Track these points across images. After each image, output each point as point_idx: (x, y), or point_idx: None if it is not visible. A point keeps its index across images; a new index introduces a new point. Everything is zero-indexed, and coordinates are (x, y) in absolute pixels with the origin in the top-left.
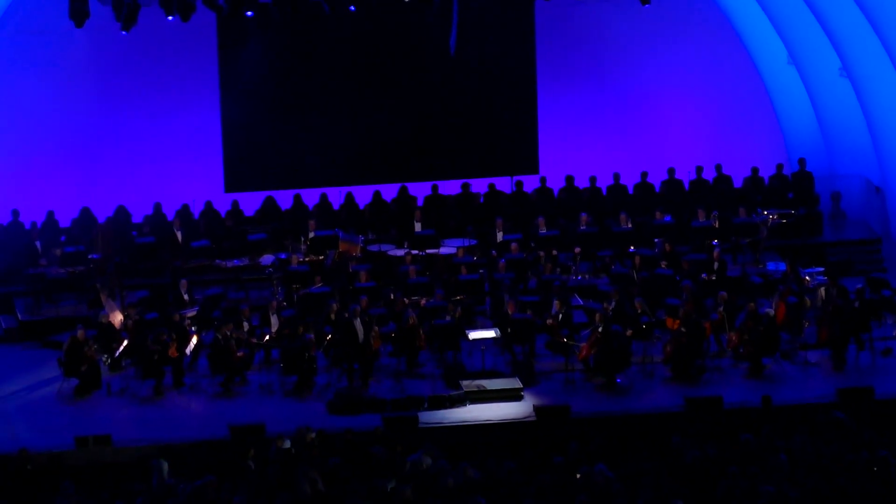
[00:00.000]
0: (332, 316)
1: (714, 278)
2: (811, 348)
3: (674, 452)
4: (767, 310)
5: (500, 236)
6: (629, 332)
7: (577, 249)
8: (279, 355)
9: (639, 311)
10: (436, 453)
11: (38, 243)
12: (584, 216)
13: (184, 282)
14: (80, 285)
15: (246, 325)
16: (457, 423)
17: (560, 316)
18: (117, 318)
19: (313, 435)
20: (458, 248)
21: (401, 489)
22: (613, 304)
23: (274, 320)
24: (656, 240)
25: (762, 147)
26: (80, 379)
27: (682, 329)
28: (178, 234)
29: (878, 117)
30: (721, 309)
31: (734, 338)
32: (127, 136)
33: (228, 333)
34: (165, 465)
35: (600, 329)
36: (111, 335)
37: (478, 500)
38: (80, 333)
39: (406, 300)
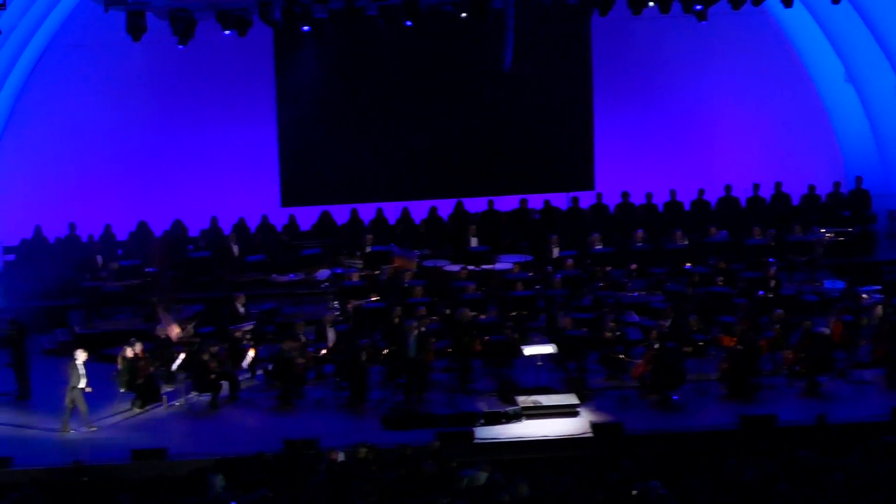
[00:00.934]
0: (387, 330)
1: (770, 296)
2: (866, 367)
3: (729, 471)
4: (822, 328)
5: (555, 252)
6: (685, 350)
7: (633, 266)
8: (334, 368)
9: (694, 329)
10: (491, 469)
11: (98, 258)
12: (639, 233)
13: (240, 296)
14: (135, 299)
15: (302, 339)
16: (512, 439)
17: (615, 333)
18: (174, 331)
19: (365, 450)
20: (513, 263)
21: None
22: (669, 321)
23: (330, 335)
24: (711, 258)
25: (819, 165)
26: (137, 393)
27: (738, 347)
28: (234, 249)
29: None
30: (777, 327)
31: (789, 356)
32: (184, 150)
33: (293, 346)
34: (221, 479)
35: (656, 346)
36: (167, 349)
37: None
38: (136, 346)
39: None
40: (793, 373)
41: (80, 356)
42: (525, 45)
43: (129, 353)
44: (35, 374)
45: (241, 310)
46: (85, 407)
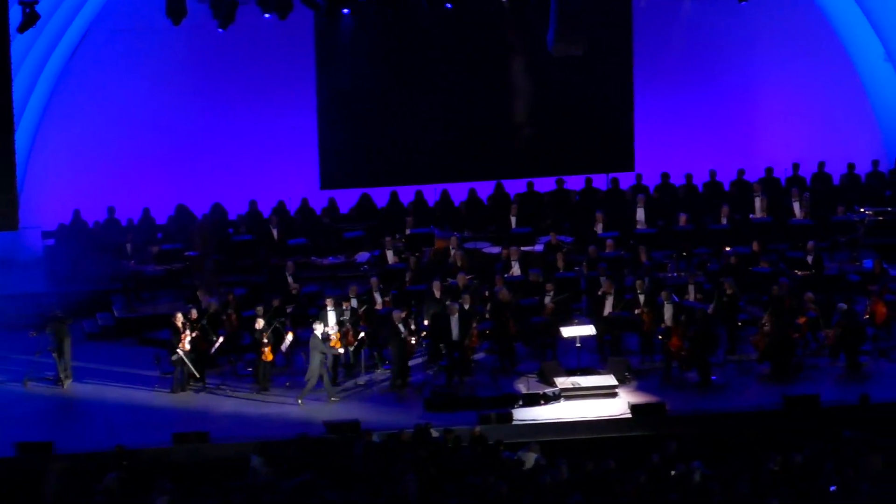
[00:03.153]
0: (429, 312)
1: (811, 274)
2: None
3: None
4: (860, 308)
5: (599, 229)
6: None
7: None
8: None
9: (729, 293)
10: (539, 451)
11: (136, 241)
12: (682, 216)
13: (290, 264)
14: (176, 282)
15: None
16: (552, 421)
17: (654, 314)
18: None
19: (410, 431)
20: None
21: (497, 486)
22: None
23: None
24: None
25: (859, 145)
26: (192, 361)
27: (777, 326)
28: (275, 232)
29: None
30: (814, 307)
31: (830, 335)
32: (223, 133)
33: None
34: (261, 461)
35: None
36: (214, 324)
37: (575, 497)
38: (192, 313)
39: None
40: (833, 352)
41: (318, 328)
42: (567, 26)
43: (181, 319)
44: (79, 358)
45: (292, 281)
46: (326, 378)
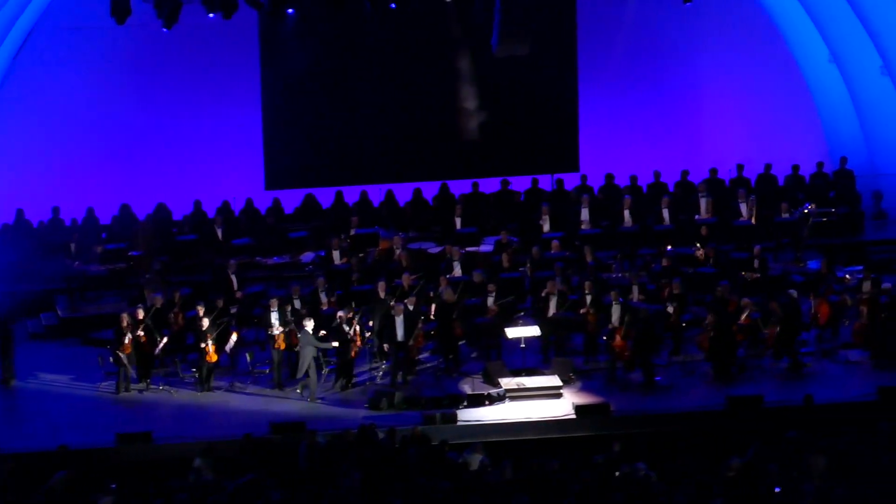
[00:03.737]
0: (374, 312)
1: (757, 276)
2: (851, 347)
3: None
4: (791, 295)
5: (546, 228)
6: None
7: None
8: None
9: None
10: (483, 452)
11: (80, 241)
12: (626, 215)
13: (233, 263)
14: (120, 282)
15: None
16: (497, 422)
17: (598, 314)
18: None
19: (354, 432)
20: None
21: (442, 486)
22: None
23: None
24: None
25: (804, 146)
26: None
27: (719, 328)
28: (219, 232)
29: None
30: (754, 307)
31: (771, 331)
32: (168, 133)
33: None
34: (205, 463)
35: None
36: (160, 324)
37: (520, 498)
38: (139, 312)
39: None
40: (777, 353)
41: (309, 323)
42: (511, 26)
43: (126, 320)
44: (20, 358)
45: (235, 281)
46: (314, 377)
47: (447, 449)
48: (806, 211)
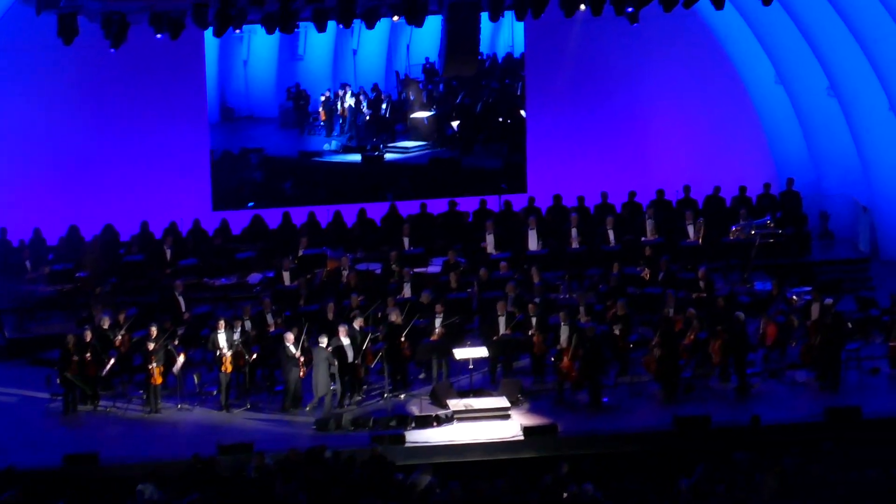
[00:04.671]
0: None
1: (703, 296)
2: (798, 368)
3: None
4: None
5: (490, 248)
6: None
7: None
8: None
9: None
10: (432, 473)
11: (27, 262)
12: (573, 235)
13: (179, 283)
14: (68, 303)
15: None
16: (445, 443)
17: (546, 335)
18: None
19: (301, 452)
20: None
21: None
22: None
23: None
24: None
25: (750, 166)
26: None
27: (663, 347)
28: (168, 253)
29: (865, 137)
30: (699, 324)
31: (714, 347)
32: (115, 153)
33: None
34: (151, 488)
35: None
36: (106, 345)
37: None
38: (86, 334)
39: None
40: (724, 375)
41: (323, 340)
42: (458, 47)
43: (73, 341)
44: None
45: (182, 302)
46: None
47: (395, 470)
48: (768, 222)
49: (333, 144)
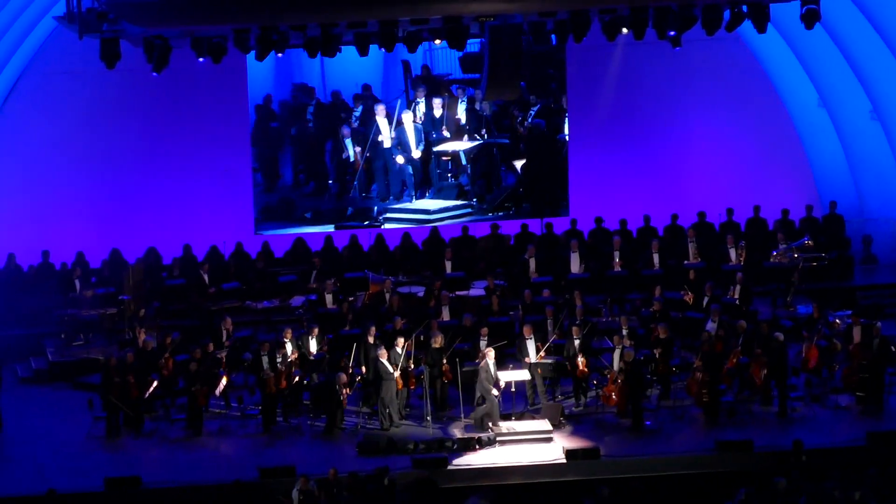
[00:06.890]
0: (362, 357)
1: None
2: (841, 392)
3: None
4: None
5: (531, 270)
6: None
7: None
8: (309, 396)
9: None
10: (488, 500)
11: (77, 281)
12: (616, 259)
13: (227, 319)
14: (110, 326)
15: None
16: (487, 466)
17: (588, 358)
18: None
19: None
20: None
21: None
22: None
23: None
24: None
25: (793, 190)
26: (127, 409)
27: (705, 371)
28: (205, 276)
29: None
30: (733, 354)
31: (756, 371)
32: (159, 176)
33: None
34: None
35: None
36: (149, 368)
37: None
38: (129, 357)
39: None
40: (766, 398)
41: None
42: (500, 71)
43: (115, 364)
44: (9, 402)
45: (225, 334)
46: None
47: (437, 493)
48: (807, 242)
49: None
